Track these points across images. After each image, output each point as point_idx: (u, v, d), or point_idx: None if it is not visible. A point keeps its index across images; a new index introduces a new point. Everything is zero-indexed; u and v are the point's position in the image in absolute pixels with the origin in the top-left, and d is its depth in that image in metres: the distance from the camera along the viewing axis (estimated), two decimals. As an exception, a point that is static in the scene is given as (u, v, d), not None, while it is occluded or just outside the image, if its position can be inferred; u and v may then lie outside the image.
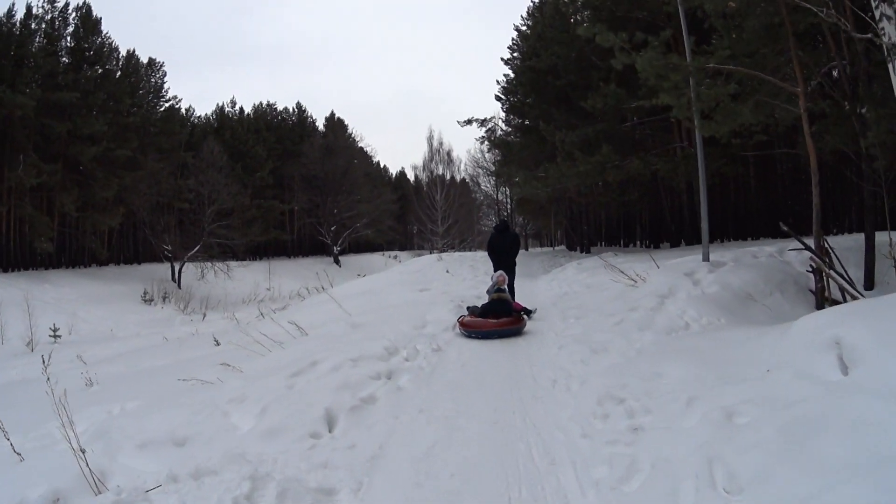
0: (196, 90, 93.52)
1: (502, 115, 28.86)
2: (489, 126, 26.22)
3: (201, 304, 27.25)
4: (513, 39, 28.39)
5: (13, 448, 4.54)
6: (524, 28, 27.55)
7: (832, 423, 3.19)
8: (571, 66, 18.83)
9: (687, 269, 8.78)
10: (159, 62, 38.15)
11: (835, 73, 10.23)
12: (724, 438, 3.50)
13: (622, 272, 9.54)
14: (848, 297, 7.70)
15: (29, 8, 28.43)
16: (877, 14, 5.93)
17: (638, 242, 27.76)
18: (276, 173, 45.95)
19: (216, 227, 33.02)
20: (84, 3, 30.94)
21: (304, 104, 55.46)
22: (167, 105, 38.74)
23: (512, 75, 26.43)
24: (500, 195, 46.20)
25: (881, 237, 8.53)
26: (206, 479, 3.77)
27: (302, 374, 5.94)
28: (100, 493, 3.72)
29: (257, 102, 51.19)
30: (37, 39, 28.62)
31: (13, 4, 27.82)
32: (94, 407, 6.30)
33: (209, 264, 32.31)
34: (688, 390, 4.39)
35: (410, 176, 64.62)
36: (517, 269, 10.74)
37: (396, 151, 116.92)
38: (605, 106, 15.95)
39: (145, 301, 26.82)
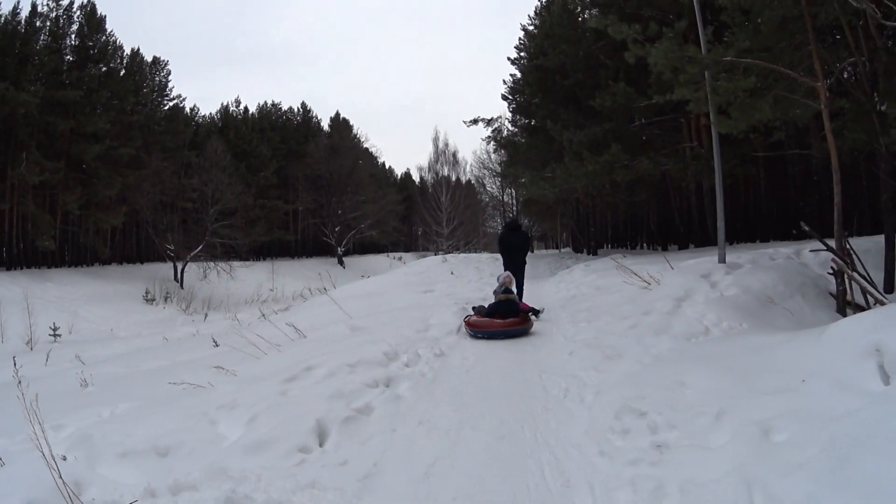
0: (202, 90, 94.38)
1: (509, 115, 28.64)
2: (495, 126, 26.12)
3: (203, 305, 27.01)
4: (520, 39, 28.18)
5: (-3, 452, 4.27)
6: (531, 27, 27.27)
7: (882, 441, 2.83)
8: (579, 64, 18.61)
9: (703, 271, 8.39)
10: (164, 61, 38.29)
11: (845, 73, 9.95)
12: (762, 458, 3.13)
13: (635, 274, 9.15)
14: (871, 300, 7.37)
15: (34, 6, 28.60)
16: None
17: (645, 244, 27.43)
18: (280, 173, 45.83)
19: (219, 227, 32.97)
20: (89, 1, 30.94)
21: (310, 105, 55.39)
22: (171, 104, 38.86)
23: (519, 75, 26.25)
24: (505, 196, 45.96)
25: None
26: (185, 494, 3.52)
27: (296, 380, 5.64)
28: (73, 506, 3.41)
29: (262, 102, 51.13)
30: (41, 37, 28.71)
31: (18, 2, 27.80)
32: (87, 409, 5.99)
33: (212, 264, 32.24)
34: (715, 402, 4.00)
35: (416, 177, 64.45)
36: (526, 268, 10.62)
37: (402, 152, 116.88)
38: (615, 104, 15.73)
39: (147, 301, 26.72)
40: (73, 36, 30.31)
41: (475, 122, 25.11)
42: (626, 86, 15.34)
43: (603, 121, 16.84)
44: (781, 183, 19.78)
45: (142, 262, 35.24)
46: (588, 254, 25.09)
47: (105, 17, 31.54)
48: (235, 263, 33.90)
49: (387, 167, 67.58)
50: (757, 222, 20.03)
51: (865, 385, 3.45)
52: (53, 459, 3.62)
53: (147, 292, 27.16)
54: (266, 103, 50.82)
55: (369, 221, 47.57)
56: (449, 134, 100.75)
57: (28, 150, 26.34)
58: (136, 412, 5.54)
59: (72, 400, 6.81)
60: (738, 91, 8.25)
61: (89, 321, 21.16)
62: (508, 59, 27.66)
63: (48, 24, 29.06)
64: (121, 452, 4.19)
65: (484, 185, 48.72)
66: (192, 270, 32.33)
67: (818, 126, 15.43)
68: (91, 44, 30.75)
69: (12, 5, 28.04)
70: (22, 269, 27.02)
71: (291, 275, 37.15)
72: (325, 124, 55.47)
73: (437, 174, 48.77)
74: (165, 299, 27.58)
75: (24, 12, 27.92)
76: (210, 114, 47.32)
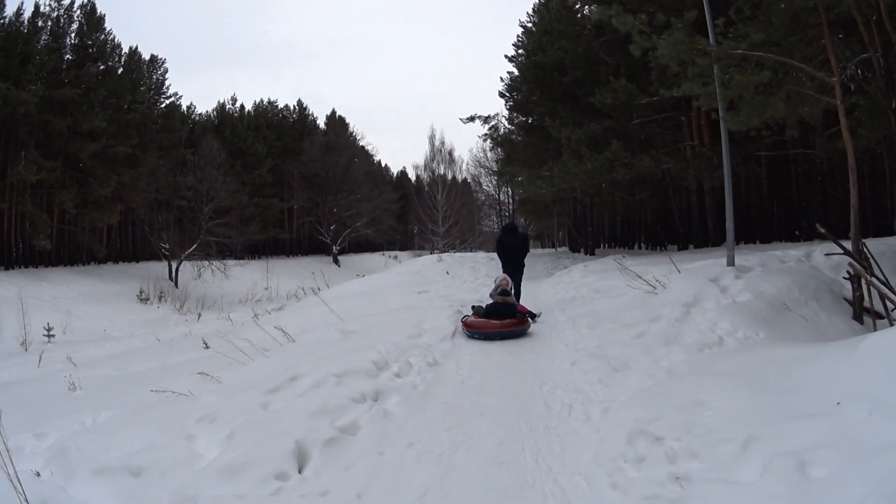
0: (200, 88, 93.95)
1: (506, 113, 28.26)
2: (492, 123, 25.68)
3: (197, 304, 26.76)
4: (518, 36, 27.81)
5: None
6: (529, 25, 26.89)
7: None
8: (578, 61, 18.26)
9: (711, 275, 7.90)
10: (161, 59, 38.07)
11: (858, 69, 9.61)
12: (800, 499, 2.70)
13: (639, 276, 8.73)
14: (890, 306, 6.99)
15: (37, 6, 28.54)
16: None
17: (642, 245, 27.08)
18: (275, 171, 45.31)
19: (214, 226, 32.64)
20: (89, 0, 30.78)
21: (306, 102, 55.01)
22: (168, 102, 38.67)
23: (516, 73, 25.81)
24: (502, 195, 45.62)
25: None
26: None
27: (280, 391, 5.28)
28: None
29: (258, 100, 50.68)
30: (42, 37, 28.67)
31: (22, 3, 28.01)
32: (72, 416, 5.85)
33: (206, 263, 31.89)
34: (740, 427, 3.55)
35: (412, 175, 64.15)
36: (524, 270, 10.53)
37: (398, 151, 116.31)
38: (615, 101, 15.40)
39: (141, 300, 26.48)
40: (72, 35, 30.24)
41: (472, 119, 24.71)
42: (628, 82, 15.00)
43: (602, 118, 16.55)
44: (784, 183, 19.43)
45: (137, 261, 34.90)
46: (586, 253, 24.74)
47: (104, 15, 31.49)
48: (230, 262, 33.49)
49: (383, 165, 67.25)
50: (759, 223, 19.65)
51: (910, 409, 3.05)
52: (18, 480, 3.41)
53: (141, 292, 26.92)
54: (262, 101, 50.36)
55: (365, 220, 47.26)
56: (445, 132, 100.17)
57: (27, 149, 26.20)
58: (117, 421, 5.39)
59: (59, 405, 6.76)
60: (752, 85, 7.83)
61: (83, 321, 21.05)
62: (506, 56, 27.23)
63: (49, 23, 29.01)
64: (96, 469, 4.06)
65: (480, 184, 48.50)
66: (187, 269, 31.98)
67: (824, 125, 15.17)
68: (90, 42, 30.60)
69: (16, 6, 28.28)
70: (20, 268, 26.92)
71: (286, 273, 36.73)
72: (322, 122, 55.03)
73: (433, 172, 48.58)
74: (160, 298, 27.35)
75: (27, 13, 28.01)
76: (207, 111, 46.90)
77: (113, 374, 10.10)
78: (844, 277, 7.63)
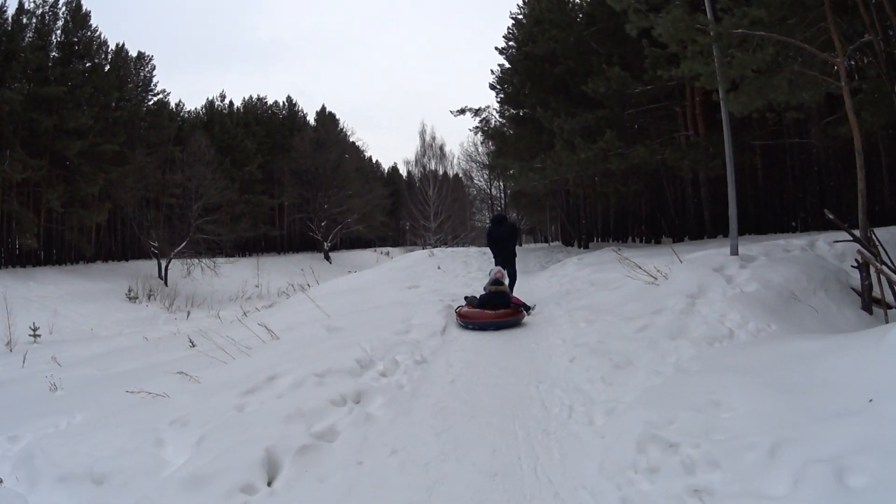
0: (189, 85, 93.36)
1: (496, 105, 27.86)
2: (483, 115, 25.33)
3: (187, 302, 26.58)
4: (508, 28, 27.34)
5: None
6: (520, 17, 26.48)
7: None
8: (570, 51, 17.97)
9: (715, 265, 7.51)
10: (148, 56, 37.99)
11: (859, 52, 9.38)
12: (842, 516, 2.33)
13: (639, 267, 8.36)
14: (901, 295, 6.67)
15: (21, 4, 28.44)
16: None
17: (637, 237, 26.76)
18: (265, 168, 44.91)
19: (203, 223, 32.32)
20: (74, -4, 30.61)
21: (295, 99, 54.66)
22: (156, 99, 38.56)
23: (507, 65, 25.48)
24: (493, 190, 45.27)
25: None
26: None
27: (256, 392, 4.96)
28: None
29: (247, 97, 50.22)
30: (27, 34, 28.51)
31: (5, 1, 27.58)
32: (48, 418, 5.61)
33: (196, 261, 31.59)
34: (765, 430, 3.16)
35: (403, 171, 63.60)
36: (517, 261, 10.67)
37: (388, 147, 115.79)
38: (609, 90, 15.14)
39: (130, 299, 26.24)
40: (58, 32, 30.04)
41: (462, 111, 24.38)
42: (621, 70, 14.69)
43: (595, 108, 16.30)
44: (780, 173, 19.13)
45: (126, 260, 34.64)
46: (579, 247, 24.46)
47: (90, 12, 31.32)
48: (220, 260, 33.24)
49: (373, 161, 66.84)
50: (755, 214, 19.36)
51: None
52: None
53: (130, 290, 26.64)
54: (251, 97, 50.05)
55: (356, 216, 47.01)
56: (436, 127, 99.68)
57: (12, 147, 25.97)
58: (89, 424, 5.21)
59: (38, 406, 6.59)
60: (754, 65, 7.48)
61: (71, 320, 20.90)
62: (496, 48, 26.79)
63: (34, 21, 28.83)
64: (60, 476, 3.92)
65: (472, 178, 48.06)
66: (177, 267, 31.67)
67: (820, 114, 14.89)
68: (76, 40, 30.42)
69: (0, 4, 27.76)
70: (6, 268, 26.73)
71: (277, 270, 36.41)
72: (311, 118, 54.74)
73: (424, 168, 48.06)
74: (149, 297, 27.12)
75: (11, 10, 27.86)
76: (195, 108, 46.50)
77: (97, 374, 9.83)
78: (853, 266, 7.32)
